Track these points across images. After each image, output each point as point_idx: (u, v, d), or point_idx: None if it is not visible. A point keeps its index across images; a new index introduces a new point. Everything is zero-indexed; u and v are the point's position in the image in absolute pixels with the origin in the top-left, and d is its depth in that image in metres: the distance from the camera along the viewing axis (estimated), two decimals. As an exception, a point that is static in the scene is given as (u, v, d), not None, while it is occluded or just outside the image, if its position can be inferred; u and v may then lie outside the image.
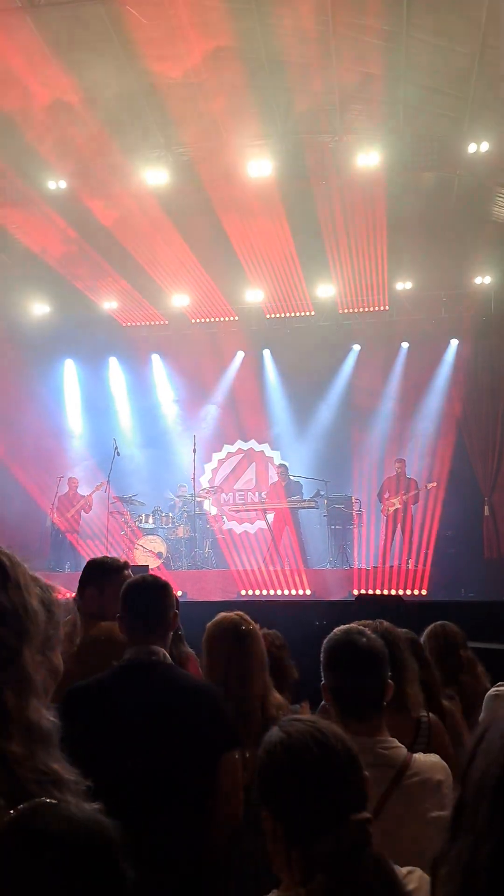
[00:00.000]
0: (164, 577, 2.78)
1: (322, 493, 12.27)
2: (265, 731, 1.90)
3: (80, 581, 3.24)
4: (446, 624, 3.66)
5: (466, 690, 3.46)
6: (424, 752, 2.23)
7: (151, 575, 2.83)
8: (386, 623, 2.57)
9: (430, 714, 2.69)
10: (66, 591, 3.61)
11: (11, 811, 1.03)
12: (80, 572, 3.28)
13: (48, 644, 1.23)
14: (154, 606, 2.64)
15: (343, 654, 2.16)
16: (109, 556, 3.66)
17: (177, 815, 2.34)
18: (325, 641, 2.23)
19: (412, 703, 2.55)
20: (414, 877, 1.50)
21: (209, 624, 2.87)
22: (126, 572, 3.20)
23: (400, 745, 2.14)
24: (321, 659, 2.23)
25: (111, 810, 1.08)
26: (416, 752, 2.19)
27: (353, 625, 2.29)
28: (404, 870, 1.48)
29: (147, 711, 2.41)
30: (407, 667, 2.54)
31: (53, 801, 1.07)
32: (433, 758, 2.16)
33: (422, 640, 3.42)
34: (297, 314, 13.98)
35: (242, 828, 2.48)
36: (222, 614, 2.88)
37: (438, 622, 3.66)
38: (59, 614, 1.26)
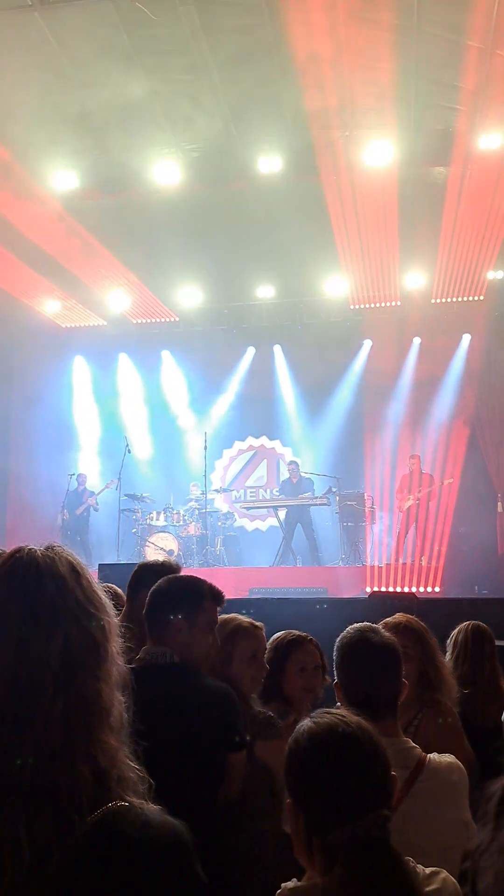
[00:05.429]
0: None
1: (334, 489, 12.22)
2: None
3: (131, 585, 3.11)
4: (481, 624, 3.66)
5: (487, 687, 3.45)
6: None
7: (167, 571, 2.64)
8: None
9: None
10: None
11: (92, 815, 1.05)
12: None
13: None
14: (164, 605, 2.51)
15: (357, 652, 2.13)
16: (160, 559, 3.50)
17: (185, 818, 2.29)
18: (338, 639, 2.19)
19: None
20: (438, 878, 1.49)
21: None
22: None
23: (415, 745, 2.11)
24: (334, 657, 2.19)
25: None
26: None
27: (365, 623, 2.25)
28: (428, 870, 1.49)
29: (154, 718, 2.27)
30: None
31: (128, 804, 1.08)
32: (448, 758, 2.13)
33: (457, 636, 3.48)
34: (309, 309, 13.94)
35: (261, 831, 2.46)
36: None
37: (474, 622, 3.66)
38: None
